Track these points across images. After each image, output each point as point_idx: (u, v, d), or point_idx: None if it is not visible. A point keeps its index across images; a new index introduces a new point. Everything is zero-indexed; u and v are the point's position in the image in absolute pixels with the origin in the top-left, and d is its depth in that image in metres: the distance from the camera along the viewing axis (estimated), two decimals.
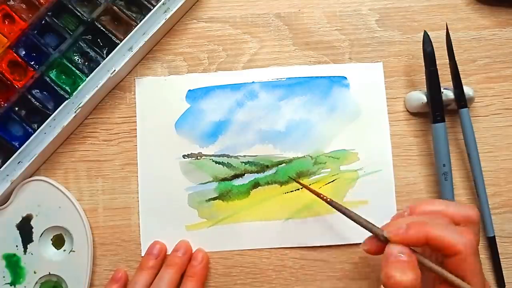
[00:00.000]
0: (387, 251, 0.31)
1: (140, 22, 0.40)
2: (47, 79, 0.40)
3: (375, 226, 0.33)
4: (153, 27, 0.41)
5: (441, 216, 0.32)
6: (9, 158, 0.40)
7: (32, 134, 0.40)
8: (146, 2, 0.41)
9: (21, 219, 0.41)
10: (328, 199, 0.36)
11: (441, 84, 0.39)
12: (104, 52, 0.41)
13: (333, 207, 0.36)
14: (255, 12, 0.43)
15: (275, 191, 0.41)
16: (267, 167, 0.42)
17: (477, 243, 0.32)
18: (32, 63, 0.40)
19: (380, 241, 0.33)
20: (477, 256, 0.31)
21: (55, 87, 0.40)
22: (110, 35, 0.41)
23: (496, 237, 0.40)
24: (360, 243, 0.41)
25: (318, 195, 0.37)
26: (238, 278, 0.41)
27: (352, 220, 0.35)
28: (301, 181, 0.40)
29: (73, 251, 0.40)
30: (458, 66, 0.40)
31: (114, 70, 0.40)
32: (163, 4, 0.41)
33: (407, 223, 0.31)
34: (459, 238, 0.30)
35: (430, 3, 0.43)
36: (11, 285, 0.40)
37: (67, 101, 0.40)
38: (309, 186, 0.39)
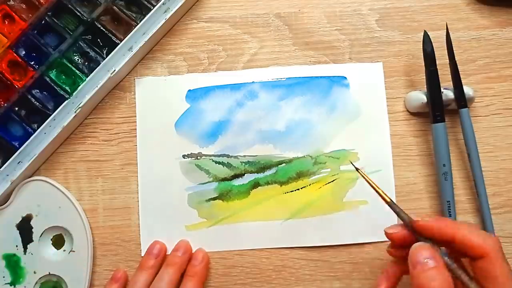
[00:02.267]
0: (412, 257, 0.30)
1: (140, 22, 0.40)
2: (47, 79, 0.40)
3: (404, 212, 0.32)
4: (153, 27, 0.41)
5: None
6: (9, 158, 0.40)
7: (32, 134, 0.40)
8: (146, 2, 0.41)
9: (21, 219, 0.41)
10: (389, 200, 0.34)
11: (441, 84, 0.39)
12: (104, 52, 0.41)
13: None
14: (255, 12, 0.43)
15: (275, 191, 0.41)
16: (267, 167, 0.42)
17: (502, 248, 0.30)
18: (32, 63, 0.40)
19: (406, 228, 0.32)
20: (505, 259, 0.30)
21: (55, 87, 0.40)
22: (110, 35, 0.41)
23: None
24: (360, 243, 0.41)
25: (377, 190, 0.34)
26: (238, 278, 0.41)
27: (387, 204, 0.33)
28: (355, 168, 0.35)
29: (73, 251, 0.40)
30: (458, 66, 0.40)
31: (114, 70, 0.40)
32: (163, 4, 0.41)
33: (436, 217, 0.31)
34: (487, 239, 0.30)
35: (430, 3, 0.43)
36: (11, 285, 0.40)
37: (67, 101, 0.40)
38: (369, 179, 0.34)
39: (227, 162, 0.42)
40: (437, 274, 0.29)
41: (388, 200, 0.33)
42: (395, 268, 0.34)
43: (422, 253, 0.30)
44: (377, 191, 0.33)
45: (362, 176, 0.34)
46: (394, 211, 0.33)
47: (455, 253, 0.32)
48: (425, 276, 0.29)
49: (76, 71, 0.41)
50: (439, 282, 0.28)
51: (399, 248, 0.33)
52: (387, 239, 0.34)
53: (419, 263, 0.30)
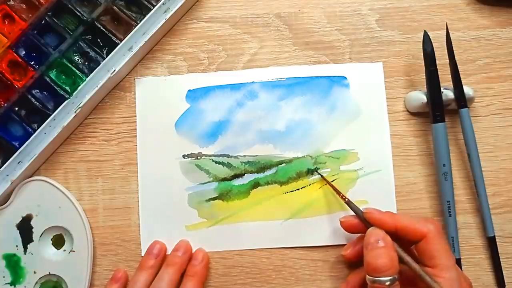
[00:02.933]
0: (366, 239, 0.35)
1: (140, 22, 0.40)
2: (47, 79, 0.40)
3: (358, 207, 0.38)
4: (153, 27, 0.41)
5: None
6: (9, 158, 0.40)
7: (32, 134, 0.40)
8: (146, 2, 0.41)
9: (21, 219, 0.41)
10: (346, 199, 0.39)
11: (441, 84, 0.39)
12: (104, 52, 0.41)
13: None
14: (255, 12, 0.43)
15: (275, 191, 0.41)
16: (267, 167, 0.42)
17: (441, 229, 0.35)
18: (32, 63, 0.40)
19: (358, 218, 0.37)
20: (443, 238, 0.35)
21: (55, 87, 0.40)
22: (110, 35, 0.41)
23: (496, 237, 0.40)
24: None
25: (338, 193, 0.39)
26: (238, 278, 0.41)
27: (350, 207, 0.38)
28: (324, 179, 0.41)
29: (73, 251, 0.40)
30: (458, 66, 0.40)
31: (114, 70, 0.40)
32: (163, 4, 0.41)
33: (384, 211, 0.36)
34: (424, 223, 0.35)
35: (430, 3, 0.43)
36: (11, 285, 0.40)
37: (67, 101, 0.40)
38: (330, 182, 0.40)
39: (227, 162, 0.42)
40: (384, 253, 0.33)
41: (346, 199, 0.38)
42: (355, 277, 0.38)
43: (373, 235, 0.34)
44: (334, 189, 0.39)
45: (321, 176, 0.41)
46: (350, 207, 0.38)
47: (402, 242, 0.35)
48: (374, 254, 0.33)
49: (76, 71, 0.41)
50: (385, 260, 0.33)
51: (351, 246, 0.39)
52: None
53: (370, 244, 0.34)
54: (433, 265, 0.34)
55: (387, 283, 0.32)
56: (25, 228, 0.40)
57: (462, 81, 0.40)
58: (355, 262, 0.39)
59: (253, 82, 0.42)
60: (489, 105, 0.42)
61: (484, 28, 0.43)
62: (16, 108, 0.41)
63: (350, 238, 0.40)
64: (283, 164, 0.42)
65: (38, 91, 0.41)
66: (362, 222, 0.37)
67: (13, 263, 0.40)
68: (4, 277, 0.40)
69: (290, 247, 0.41)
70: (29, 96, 0.40)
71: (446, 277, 0.33)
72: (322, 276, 0.41)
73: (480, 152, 0.40)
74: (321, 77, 0.42)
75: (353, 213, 0.38)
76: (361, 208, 0.37)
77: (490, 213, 0.40)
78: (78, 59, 0.41)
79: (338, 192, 0.39)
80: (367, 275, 0.33)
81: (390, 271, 0.33)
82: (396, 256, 0.33)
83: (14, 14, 0.41)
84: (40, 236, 0.40)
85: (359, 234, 0.39)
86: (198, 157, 0.42)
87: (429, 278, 0.33)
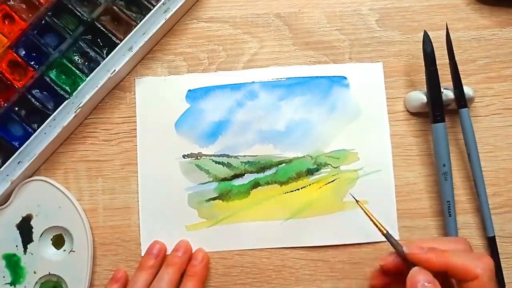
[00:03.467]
0: (411, 278, 0.31)
1: (140, 22, 0.40)
2: (47, 79, 0.40)
3: (397, 241, 0.33)
4: (153, 27, 0.41)
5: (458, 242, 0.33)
6: (9, 158, 0.40)
7: (32, 134, 0.40)
8: (146, 2, 0.41)
9: (21, 219, 0.41)
10: (385, 232, 0.34)
11: (441, 84, 0.39)
12: (104, 52, 0.41)
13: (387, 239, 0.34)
14: (255, 12, 0.43)
15: (275, 191, 0.41)
16: (267, 167, 0.42)
17: (493, 270, 0.31)
18: (32, 63, 0.40)
19: (398, 256, 0.33)
20: (495, 281, 0.32)
21: (55, 87, 0.40)
22: (110, 35, 0.41)
23: (496, 237, 0.40)
24: (360, 243, 0.41)
25: (376, 225, 0.35)
26: (238, 278, 0.41)
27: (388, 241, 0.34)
28: (361, 205, 0.35)
29: (73, 251, 0.40)
30: (458, 66, 0.40)
31: (114, 70, 0.40)
32: (163, 4, 0.41)
33: (428, 247, 0.32)
34: (478, 262, 0.31)
35: (430, 3, 0.43)
36: (11, 285, 0.40)
37: (67, 101, 0.40)
38: (368, 212, 0.35)
39: (227, 162, 0.42)
40: None
41: (385, 231, 0.34)
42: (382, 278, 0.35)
43: (423, 276, 0.31)
44: (375, 224, 0.34)
45: (361, 208, 0.35)
46: (389, 242, 0.33)
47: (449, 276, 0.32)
48: None
49: (76, 71, 0.41)
50: None
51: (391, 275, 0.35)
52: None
53: (419, 283, 0.30)
54: None
55: None
56: (25, 228, 0.40)
57: (462, 81, 0.40)
58: (355, 263, 0.39)
59: (253, 82, 0.42)
60: (489, 105, 0.42)
61: (484, 28, 0.43)
62: (16, 108, 0.41)
63: (350, 238, 0.40)
64: (283, 164, 0.42)
65: (38, 91, 0.41)
66: (403, 261, 0.33)
67: (13, 263, 0.40)
68: (4, 277, 0.40)
69: (290, 247, 0.41)
70: (29, 96, 0.40)
71: None
72: (322, 276, 0.41)
73: (480, 152, 0.40)
74: (321, 77, 0.42)
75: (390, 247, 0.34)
76: (385, 228, 0.34)
77: (490, 213, 0.40)
78: (78, 59, 0.41)
79: (376, 224, 0.34)
80: None
81: None
82: None
83: (14, 14, 0.41)
84: (40, 236, 0.40)
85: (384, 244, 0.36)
86: (198, 157, 0.42)
87: None
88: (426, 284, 0.30)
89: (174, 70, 0.43)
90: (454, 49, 0.40)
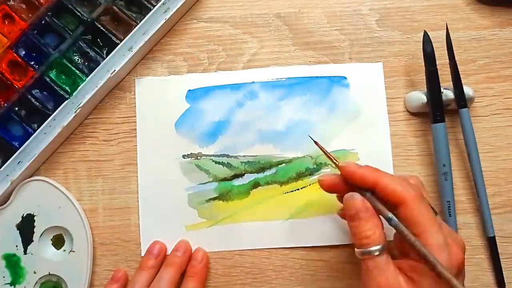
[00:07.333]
0: (346, 211, 0.32)
1: (140, 22, 0.40)
2: (47, 79, 0.40)
3: (337, 160, 0.34)
4: (153, 27, 0.41)
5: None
6: (9, 158, 0.40)
7: (32, 134, 0.40)
8: (146, 2, 0.41)
9: (21, 219, 0.41)
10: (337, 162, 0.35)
11: (441, 84, 0.39)
12: (104, 52, 0.41)
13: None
14: (255, 12, 0.43)
15: (275, 191, 0.41)
16: (267, 167, 0.42)
17: (421, 191, 0.33)
18: (32, 63, 0.40)
19: (336, 176, 0.34)
20: (423, 202, 0.32)
21: (55, 87, 0.40)
22: (110, 35, 0.41)
23: (496, 237, 0.40)
24: None
25: (329, 157, 0.35)
26: (238, 278, 0.41)
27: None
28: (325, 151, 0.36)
29: (73, 251, 0.40)
30: (458, 66, 0.40)
31: (114, 70, 0.40)
32: (163, 4, 0.41)
33: (363, 165, 0.33)
34: (407, 187, 0.31)
35: (430, 3, 0.43)
36: (11, 285, 0.40)
37: (67, 101, 0.40)
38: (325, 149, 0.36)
39: (227, 162, 0.42)
40: (367, 224, 0.31)
41: (337, 162, 0.34)
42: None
43: (353, 207, 0.32)
44: (328, 156, 0.35)
45: (317, 145, 0.36)
46: (335, 165, 0.34)
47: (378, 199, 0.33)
48: (357, 228, 0.32)
49: (76, 71, 0.41)
50: (369, 232, 0.31)
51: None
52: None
53: (351, 216, 0.32)
54: (416, 233, 0.31)
55: (376, 253, 0.31)
56: (25, 228, 0.40)
57: (462, 81, 0.40)
58: (355, 263, 0.39)
59: (253, 82, 0.42)
60: (489, 105, 0.42)
61: (484, 28, 0.43)
62: (16, 108, 0.41)
63: (350, 238, 0.40)
64: (283, 164, 0.42)
65: (38, 91, 0.41)
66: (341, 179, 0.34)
67: (13, 263, 0.40)
68: (4, 277, 0.40)
69: (290, 247, 0.41)
70: (29, 96, 0.40)
71: (432, 244, 0.30)
72: (322, 276, 0.41)
73: (480, 152, 0.40)
74: (321, 77, 0.42)
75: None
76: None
77: (490, 213, 0.40)
78: (78, 59, 0.41)
79: (329, 156, 0.35)
80: (355, 248, 0.32)
81: (377, 241, 0.31)
82: (380, 223, 0.32)
83: (14, 14, 0.41)
84: (40, 236, 0.40)
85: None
86: (198, 157, 0.42)
87: (418, 242, 0.30)
88: (359, 213, 0.32)
89: (174, 70, 0.43)
90: (454, 49, 0.40)
